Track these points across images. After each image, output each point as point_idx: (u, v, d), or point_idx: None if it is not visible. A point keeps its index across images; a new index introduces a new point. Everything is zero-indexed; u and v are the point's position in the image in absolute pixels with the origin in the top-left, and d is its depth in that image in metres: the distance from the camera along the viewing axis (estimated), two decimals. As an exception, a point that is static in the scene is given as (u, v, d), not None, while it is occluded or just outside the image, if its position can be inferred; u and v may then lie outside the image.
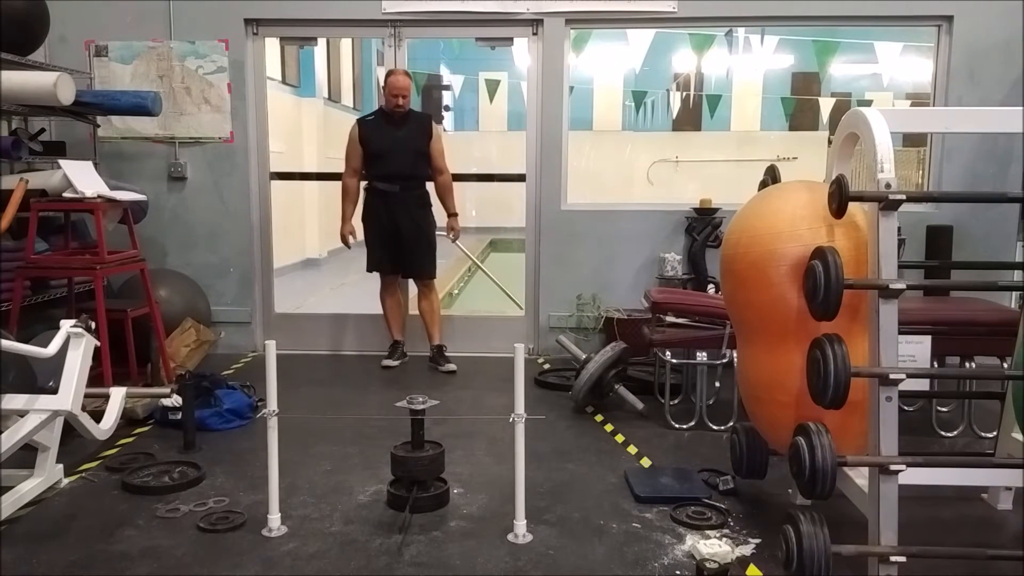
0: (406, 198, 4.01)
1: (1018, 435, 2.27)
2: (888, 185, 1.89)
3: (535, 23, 4.32)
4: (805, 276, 1.99)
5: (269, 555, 2.11)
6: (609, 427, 3.23)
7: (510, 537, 2.20)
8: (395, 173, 3.98)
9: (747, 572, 2.04)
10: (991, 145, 4.22)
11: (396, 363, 4.09)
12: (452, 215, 4.19)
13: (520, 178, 4.49)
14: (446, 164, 4.10)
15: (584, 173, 5.17)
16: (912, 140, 6.10)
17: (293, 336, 4.48)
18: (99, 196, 3.39)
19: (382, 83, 4.05)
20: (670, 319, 3.45)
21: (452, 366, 4.04)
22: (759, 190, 2.45)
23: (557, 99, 4.35)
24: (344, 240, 4.15)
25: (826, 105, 8.21)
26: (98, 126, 4.23)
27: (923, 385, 2.70)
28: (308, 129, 8.33)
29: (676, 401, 3.47)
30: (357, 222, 4.21)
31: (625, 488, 2.57)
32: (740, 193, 2.81)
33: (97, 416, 2.63)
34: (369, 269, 4.15)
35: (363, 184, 4.15)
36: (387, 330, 4.20)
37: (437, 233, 4.17)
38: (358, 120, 4.10)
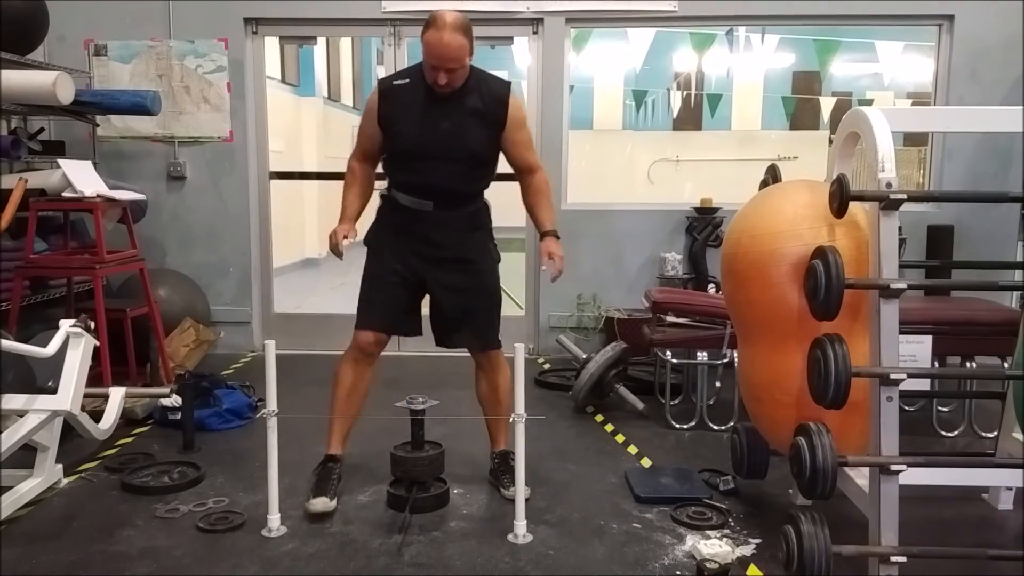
0: (445, 219, 2.42)
1: (1019, 435, 2.27)
2: (889, 184, 1.89)
3: (535, 22, 4.32)
4: (806, 276, 1.98)
5: (268, 555, 2.10)
6: (609, 427, 3.23)
7: (510, 537, 2.19)
8: (431, 185, 2.38)
9: (748, 572, 2.03)
10: (992, 144, 4.21)
11: (332, 505, 2.33)
12: (547, 234, 2.43)
13: (520, 178, 4.48)
14: (537, 160, 2.52)
15: (584, 172, 5.17)
16: (913, 139, 6.10)
17: (292, 336, 4.47)
18: (98, 195, 3.39)
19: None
20: (670, 319, 3.45)
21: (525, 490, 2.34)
22: (760, 189, 2.45)
23: (557, 98, 4.35)
24: (335, 244, 2.38)
25: (827, 104, 8.22)
26: (97, 125, 4.23)
27: (924, 385, 2.71)
28: (307, 128, 8.34)
29: (676, 401, 3.47)
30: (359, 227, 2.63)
31: (625, 488, 2.56)
32: (741, 192, 2.81)
33: (96, 416, 2.62)
34: (361, 324, 2.46)
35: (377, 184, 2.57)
36: (327, 433, 2.51)
37: (541, 268, 2.60)
38: (381, 83, 2.45)
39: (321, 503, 2.30)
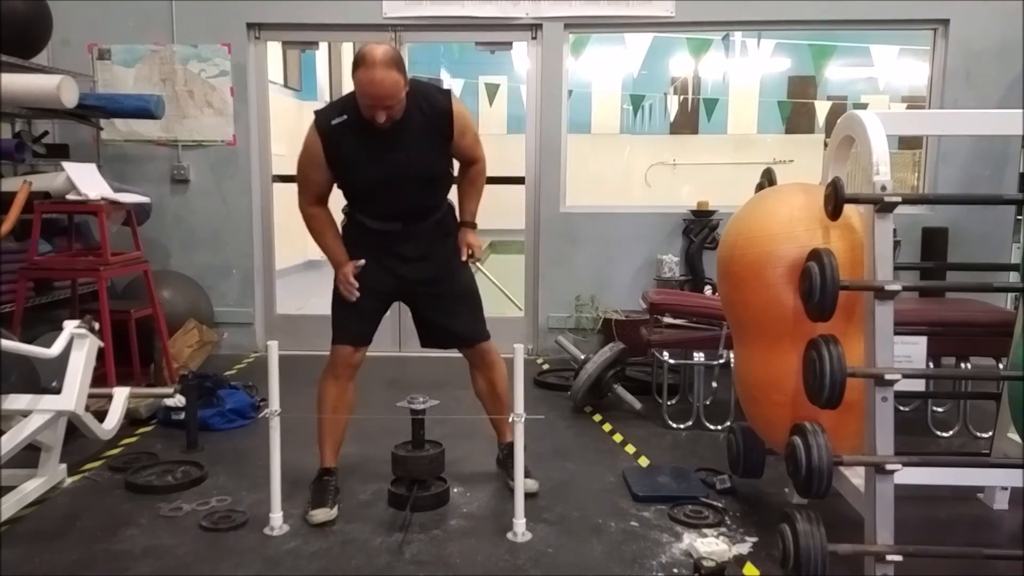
0: (415, 232, 2.44)
1: (1014, 435, 2.29)
2: (884, 187, 1.91)
3: (534, 27, 4.35)
4: (801, 277, 2.01)
5: (271, 554, 2.12)
6: (607, 427, 3.25)
7: (510, 536, 2.21)
8: (395, 209, 2.40)
9: (744, 570, 2.05)
10: (987, 147, 4.24)
11: (334, 513, 2.33)
12: (465, 224, 2.52)
13: (520, 180, 4.51)
14: (482, 152, 2.50)
15: (583, 176, 5.19)
16: (908, 143, 6.14)
17: (295, 337, 4.48)
18: (102, 198, 3.42)
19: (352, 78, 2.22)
20: (668, 320, 3.48)
21: (532, 484, 2.50)
22: (756, 192, 2.47)
23: (556, 103, 4.37)
24: (347, 284, 2.40)
25: (822, 108, 8.25)
26: (101, 129, 4.26)
27: (919, 385, 2.72)
28: (309, 132, 8.34)
29: (674, 401, 3.49)
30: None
31: (623, 487, 2.59)
32: (737, 195, 2.83)
33: (100, 416, 2.64)
34: (338, 339, 2.46)
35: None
36: (318, 447, 2.51)
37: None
38: (319, 125, 2.31)
39: (323, 513, 2.30)
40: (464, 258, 2.47)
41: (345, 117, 2.26)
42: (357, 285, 2.38)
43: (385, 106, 2.16)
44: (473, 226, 2.51)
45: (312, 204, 2.41)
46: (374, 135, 2.24)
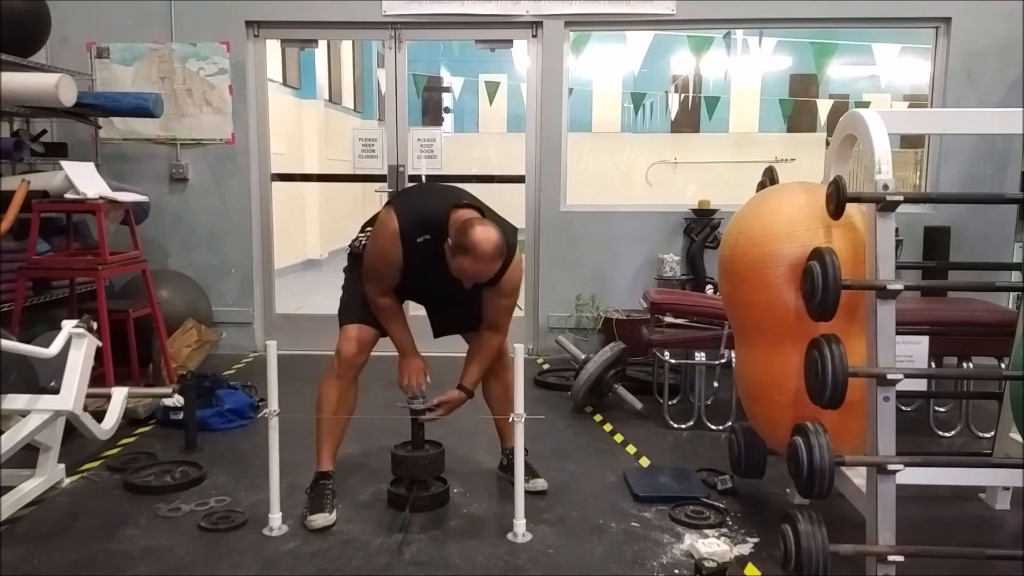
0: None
1: (1016, 435, 2.28)
2: (886, 186, 1.90)
3: (534, 25, 4.34)
4: (803, 277, 2.00)
5: (270, 554, 2.12)
6: (608, 427, 3.24)
7: (510, 536, 2.21)
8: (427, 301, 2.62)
9: (745, 571, 2.05)
10: (989, 146, 4.23)
11: (332, 518, 2.31)
12: (460, 387, 2.45)
13: (520, 179, 4.50)
14: (506, 328, 2.48)
15: (583, 174, 5.18)
16: (910, 141, 6.12)
17: (294, 336, 4.48)
18: (101, 197, 3.41)
19: (452, 240, 2.21)
20: (669, 319, 3.47)
21: (541, 483, 2.55)
22: (757, 191, 2.47)
23: (556, 101, 4.37)
24: (416, 385, 2.46)
25: (824, 107, 8.23)
26: (100, 127, 4.25)
27: (921, 385, 2.71)
28: (309, 131, 8.34)
29: (675, 401, 3.48)
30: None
31: (624, 487, 2.58)
32: (738, 194, 2.83)
33: (99, 416, 2.63)
34: (348, 319, 2.52)
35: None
36: (315, 449, 2.45)
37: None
38: (405, 236, 2.30)
39: (322, 518, 2.29)
40: (434, 403, 2.43)
41: (428, 238, 2.31)
42: (419, 384, 2.44)
43: (481, 281, 2.26)
44: (467, 392, 2.46)
45: (382, 295, 2.45)
46: (444, 263, 2.28)
